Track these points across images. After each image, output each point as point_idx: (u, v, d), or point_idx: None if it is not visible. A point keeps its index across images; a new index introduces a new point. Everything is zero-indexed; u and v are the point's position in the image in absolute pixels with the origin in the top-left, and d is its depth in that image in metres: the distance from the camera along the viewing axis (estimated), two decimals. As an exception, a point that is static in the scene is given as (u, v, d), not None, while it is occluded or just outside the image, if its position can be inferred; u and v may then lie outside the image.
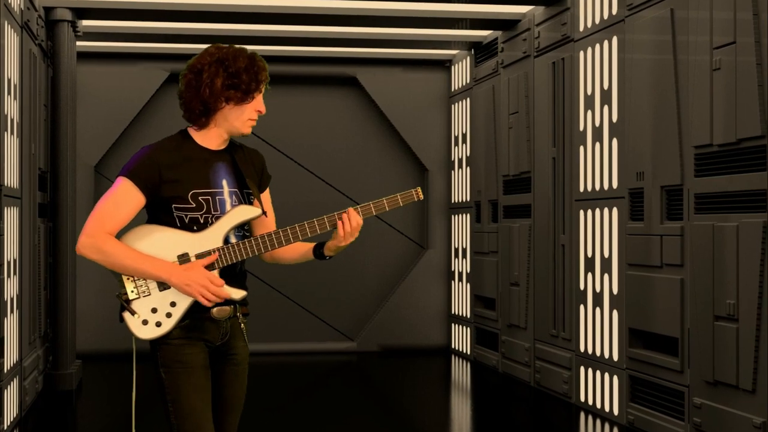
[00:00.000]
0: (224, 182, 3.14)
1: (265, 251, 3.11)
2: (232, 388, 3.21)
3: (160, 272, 3.03)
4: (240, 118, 3.14)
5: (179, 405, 3.06)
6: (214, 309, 3.11)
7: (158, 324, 3.06)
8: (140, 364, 3.31)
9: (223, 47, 3.15)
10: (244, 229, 3.19)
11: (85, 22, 7.91)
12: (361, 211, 3.14)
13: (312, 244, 3.24)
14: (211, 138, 3.16)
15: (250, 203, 3.20)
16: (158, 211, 3.10)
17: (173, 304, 3.06)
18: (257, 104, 3.16)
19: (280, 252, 3.27)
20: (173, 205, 3.07)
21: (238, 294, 3.12)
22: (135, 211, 3.08)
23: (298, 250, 3.26)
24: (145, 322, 3.07)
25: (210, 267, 3.07)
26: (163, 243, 3.07)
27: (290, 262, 3.31)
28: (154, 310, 3.07)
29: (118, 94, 9.06)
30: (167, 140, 3.16)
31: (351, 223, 3.12)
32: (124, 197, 3.05)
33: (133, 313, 3.07)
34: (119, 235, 3.08)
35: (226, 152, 3.19)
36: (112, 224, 3.05)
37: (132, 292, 3.07)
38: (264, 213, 3.18)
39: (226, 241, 3.11)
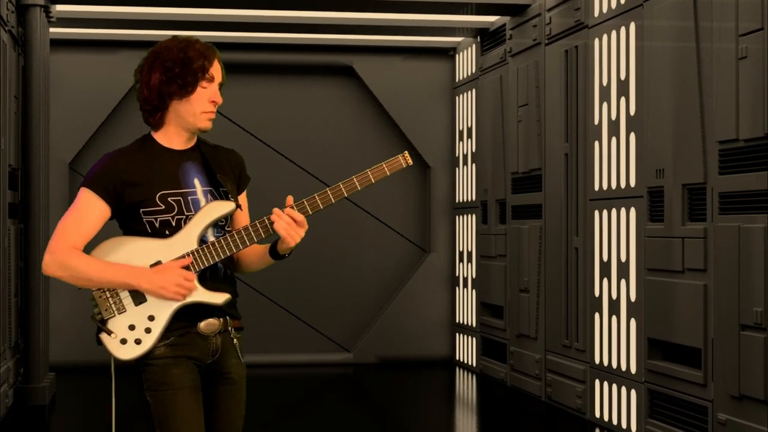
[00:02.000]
0: (196, 181, 3.13)
1: (243, 247, 3.07)
2: (228, 410, 3.18)
3: (129, 279, 3.03)
4: (191, 112, 3.11)
5: (167, 431, 3.04)
6: (202, 323, 3.10)
7: (138, 341, 3.05)
8: (118, 377, 3.29)
9: (166, 41, 3.15)
10: (224, 228, 3.17)
11: (59, 7, 7.91)
12: (319, 199, 3.07)
13: (268, 245, 3.21)
14: (171, 138, 3.16)
15: None
16: (129, 221, 3.11)
17: (151, 318, 3.05)
18: (210, 94, 3.12)
19: (245, 258, 3.25)
20: (141, 210, 3.07)
21: (220, 298, 3.10)
22: (100, 223, 3.09)
23: (258, 252, 3.24)
24: (123, 341, 3.05)
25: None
26: (134, 254, 3.06)
27: (256, 267, 3.28)
28: (131, 327, 3.05)
29: (94, 85, 9.04)
30: (129, 145, 3.18)
31: (284, 219, 3.06)
32: (87, 209, 3.07)
33: (109, 333, 3.05)
34: (88, 251, 3.06)
35: (195, 151, 3.19)
36: (76, 238, 3.05)
37: (106, 311, 3.05)
38: (239, 206, 3.16)
39: (203, 241, 3.09)
